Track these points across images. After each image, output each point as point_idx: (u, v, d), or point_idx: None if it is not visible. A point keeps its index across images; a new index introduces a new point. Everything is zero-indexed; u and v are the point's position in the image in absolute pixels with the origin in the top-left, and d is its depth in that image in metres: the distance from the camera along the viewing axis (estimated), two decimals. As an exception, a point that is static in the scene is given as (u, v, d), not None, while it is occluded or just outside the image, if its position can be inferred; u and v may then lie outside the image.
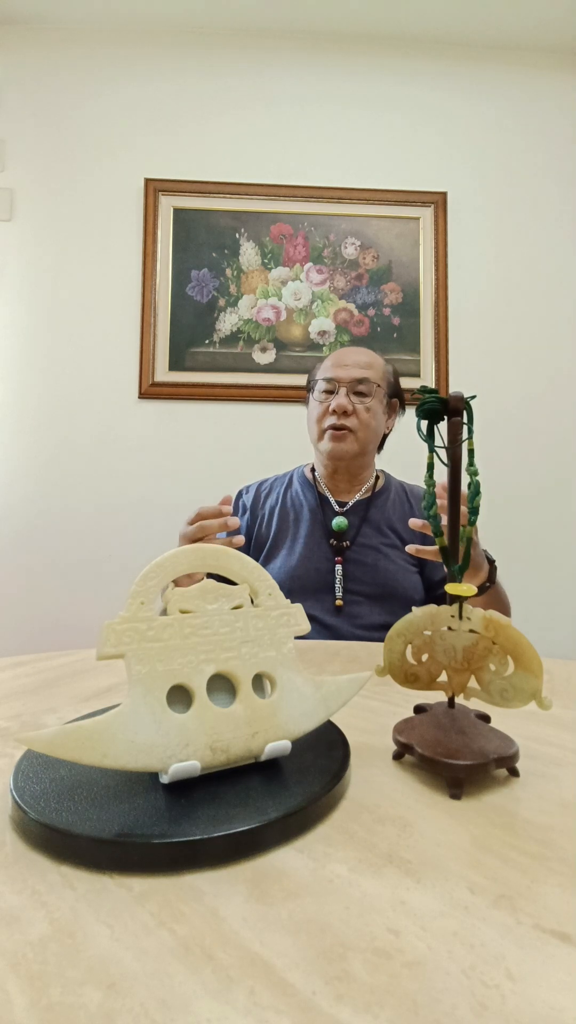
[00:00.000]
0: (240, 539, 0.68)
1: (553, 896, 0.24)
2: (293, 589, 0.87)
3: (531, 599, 0.94)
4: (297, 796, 0.29)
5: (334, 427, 0.90)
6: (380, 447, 1.01)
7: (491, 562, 0.78)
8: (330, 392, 0.92)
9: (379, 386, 0.92)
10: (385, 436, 1.00)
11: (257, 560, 0.93)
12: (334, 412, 0.89)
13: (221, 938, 0.21)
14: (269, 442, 1.54)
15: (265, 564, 0.91)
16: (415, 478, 1.03)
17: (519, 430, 1.62)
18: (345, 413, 0.89)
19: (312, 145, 1.64)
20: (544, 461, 1.62)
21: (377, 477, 1.00)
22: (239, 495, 1.03)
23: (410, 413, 0.60)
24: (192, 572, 0.34)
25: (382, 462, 1.05)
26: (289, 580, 0.88)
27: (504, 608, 0.85)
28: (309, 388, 0.98)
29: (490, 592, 0.78)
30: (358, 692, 0.40)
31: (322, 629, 0.85)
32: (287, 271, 1.61)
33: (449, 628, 0.38)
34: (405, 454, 1.06)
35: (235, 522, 0.69)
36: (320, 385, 0.93)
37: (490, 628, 0.36)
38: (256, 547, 0.96)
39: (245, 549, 0.97)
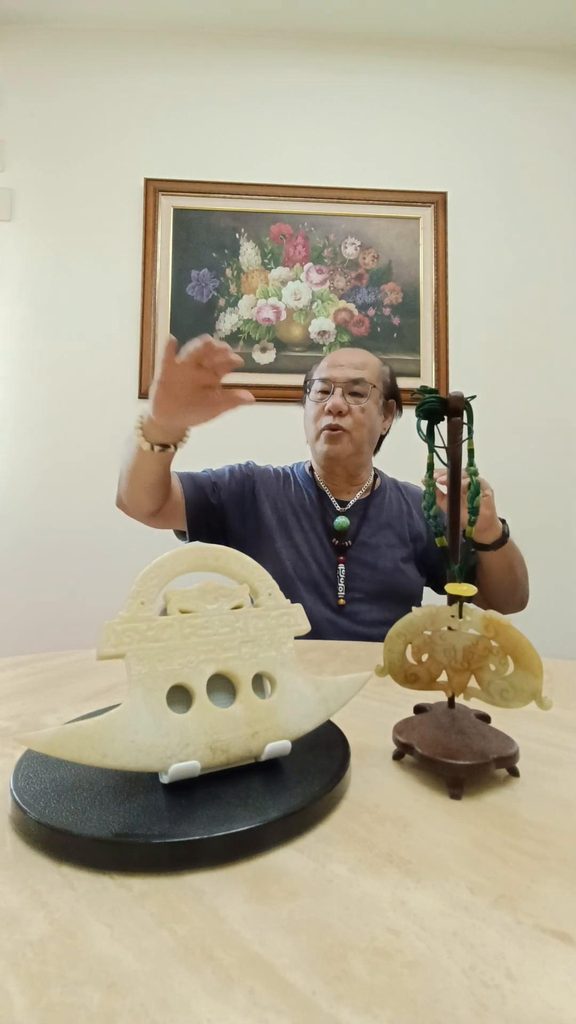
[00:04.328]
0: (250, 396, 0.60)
1: (553, 896, 0.24)
2: (297, 583, 0.88)
3: (531, 599, 0.93)
4: (297, 796, 0.29)
5: (329, 427, 0.90)
6: (377, 448, 1.01)
7: (502, 520, 0.84)
8: (326, 392, 0.92)
9: (374, 386, 0.92)
10: (382, 437, 1.00)
11: (253, 542, 0.92)
12: (329, 412, 0.90)
13: (221, 938, 0.21)
14: (269, 442, 1.54)
15: (266, 553, 0.91)
16: (414, 479, 1.03)
17: (519, 430, 1.62)
18: (340, 413, 0.89)
19: (312, 145, 1.64)
20: (544, 461, 1.62)
21: (375, 477, 1.00)
22: (247, 464, 1.00)
23: (410, 413, 0.60)
24: (192, 572, 0.34)
25: (380, 463, 1.04)
26: (293, 574, 0.88)
27: (522, 567, 0.88)
28: (305, 389, 0.98)
29: (509, 551, 0.83)
30: (358, 692, 0.39)
31: (323, 624, 0.86)
32: (287, 271, 1.60)
33: (449, 628, 0.38)
34: (405, 455, 1.05)
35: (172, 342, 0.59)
36: (316, 385, 0.93)
37: (490, 628, 0.36)
38: (251, 528, 0.93)
39: (235, 517, 0.93)
